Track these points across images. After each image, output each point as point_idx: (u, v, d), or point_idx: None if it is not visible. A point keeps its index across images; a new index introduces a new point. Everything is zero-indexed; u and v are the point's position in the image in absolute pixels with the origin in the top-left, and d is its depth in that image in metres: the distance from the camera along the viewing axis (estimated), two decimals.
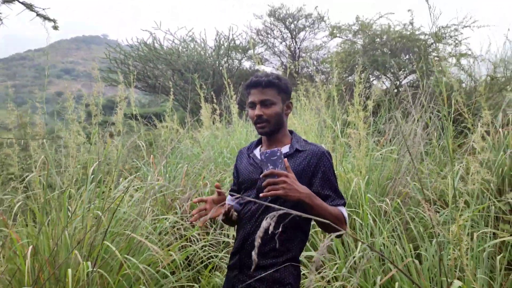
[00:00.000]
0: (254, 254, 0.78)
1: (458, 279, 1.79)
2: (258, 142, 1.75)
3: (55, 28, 1.77)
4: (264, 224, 0.79)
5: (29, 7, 1.58)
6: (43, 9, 1.59)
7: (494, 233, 2.47)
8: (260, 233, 0.80)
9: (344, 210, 1.53)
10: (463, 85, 6.23)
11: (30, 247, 2.27)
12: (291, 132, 1.72)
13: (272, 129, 1.61)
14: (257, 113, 1.58)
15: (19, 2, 1.56)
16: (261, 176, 1.39)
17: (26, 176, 3.56)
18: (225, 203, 1.55)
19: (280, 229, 1.13)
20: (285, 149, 1.62)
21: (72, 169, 3.06)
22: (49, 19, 1.65)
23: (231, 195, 1.74)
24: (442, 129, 3.95)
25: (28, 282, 2.22)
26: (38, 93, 3.61)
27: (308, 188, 1.42)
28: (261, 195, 1.33)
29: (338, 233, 0.92)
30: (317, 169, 1.55)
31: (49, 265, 2.36)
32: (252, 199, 1.04)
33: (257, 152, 1.69)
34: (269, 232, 0.80)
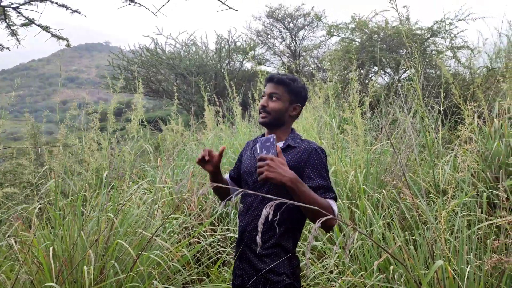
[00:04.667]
0: (258, 238, 0.92)
1: (447, 260, 1.92)
2: (262, 136, 1.88)
3: (68, 46, 1.93)
4: (264, 212, 0.92)
5: (45, 28, 1.73)
6: (58, 30, 1.75)
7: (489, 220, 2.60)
8: (262, 219, 0.92)
9: (333, 204, 1.56)
10: (461, 77, 6.32)
11: (51, 248, 2.43)
12: (292, 130, 1.80)
13: (271, 122, 1.72)
14: (262, 102, 1.73)
15: (36, 25, 1.71)
16: (257, 160, 1.50)
17: (40, 183, 3.74)
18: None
19: (277, 216, 1.24)
20: (280, 144, 1.72)
21: (86, 174, 3.23)
22: (62, 38, 1.81)
23: (229, 176, 1.94)
24: (437, 122, 4.06)
25: (49, 281, 2.38)
26: (57, 100, 3.76)
27: (294, 174, 1.47)
28: (258, 178, 1.46)
29: (323, 219, 1.02)
30: (307, 164, 1.63)
31: (67, 265, 2.53)
32: (249, 192, 1.16)
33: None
34: (269, 219, 0.92)
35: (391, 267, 2.13)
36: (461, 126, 2.77)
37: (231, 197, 1.65)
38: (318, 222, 1.03)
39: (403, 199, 2.81)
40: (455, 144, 3.70)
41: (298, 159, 1.64)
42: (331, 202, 1.56)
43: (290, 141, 1.71)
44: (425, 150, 3.94)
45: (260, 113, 1.74)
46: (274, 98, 1.72)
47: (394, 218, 2.65)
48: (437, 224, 2.14)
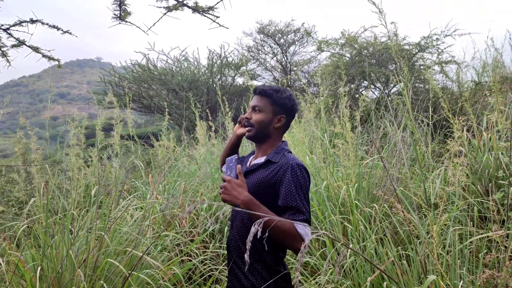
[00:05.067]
0: (246, 256, 0.91)
1: (440, 275, 1.91)
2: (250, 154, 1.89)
3: (59, 67, 1.93)
4: (253, 229, 0.91)
5: (36, 50, 1.73)
6: (49, 50, 1.75)
7: (480, 233, 2.60)
8: (250, 237, 0.92)
9: (301, 227, 1.43)
10: (450, 91, 6.43)
11: (39, 268, 2.37)
12: (282, 143, 1.75)
13: (255, 135, 1.71)
14: (246, 115, 1.74)
15: (27, 46, 1.71)
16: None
17: (29, 201, 3.67)
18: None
19: (265, 234, 1.22)
20: (262, 159, 1.71)
21: (74, 192, 3.18)
22: (53, 59, 1.80)
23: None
24: (427, 135, 4.10)
25: None
26: (47, 116, 3.71)
27: (250, 196, 1.47)
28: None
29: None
30: (282, 181, 1.55)
31: (55, 285, 2.46)
32: (236, 208, 1.17)
33: (251, 157, 1.83)
34: (257, 236, 0.91)
35: (385, 283, 2.12)
36: (451, 140, 2.79)
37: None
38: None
39: (395, 214, 2.81)
40: (445, 158, 3.73)
41: (273, 176, 1.59)
42: (298, 225, 1.43)
43: (270, 156, 1.66)
44: (415, 163, 3.97)
45: (245, 126, 1.73)
46: (257, 110, 1.71)
47: (386, 232, 2.64)
48: (429, 238, 2.13)
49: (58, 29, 1.62)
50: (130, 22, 1.49)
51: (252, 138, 1.73)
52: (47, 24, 1.60)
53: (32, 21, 1.58)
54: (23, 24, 1.61)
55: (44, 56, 1.76)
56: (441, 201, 2.22)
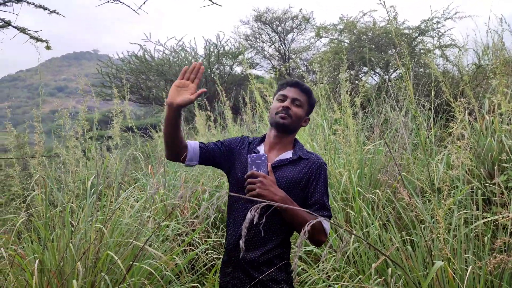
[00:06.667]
0: (241, 242, 0.87)
1: (447, 260, 1.88)
2: (262, 140, 1.77)
3: (48, 48, 1.86)
4: (249, 215, 0.88)
5: (22, 30, 1.67)
6: (36, 31, 1.69)
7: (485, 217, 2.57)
8: (245, 223, 0.89)
9: (325, 222, 1.55)
10: (450, 75, 6.36)
11: (37, 261, 2.35)
12: (295, 139, 1.78)
13: (289, 125, 1.67)
14: (285, 104, 1.67)
15: (13, 26, 1.65)
16: (244, 177, 1.50)
17: (28, 195, 3.65)
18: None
19: (263, 219, 1.19)
20: (288, 154, 1.68)
21: (72, 184, 3.14)
22: (41, 40, 1.74)
23: (201, 143, 1.72)
24: (429, 120, 4.06)
25: None
26: (35, 112, 3.69)
27: (285, 193, 1.51)
28: (247, 194, 1.44)
29: (306, 228, 0.97)
30: (313, 178, 1.63)
31: (56, 278, 2.44)
32: (234, 194, 1.14)
33: (261, 148, 1.72)
34: (254, 222, 0.89)
35: (389, 270, 2.09)
36: (453, 123, 2.75)
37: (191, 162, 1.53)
38: (308, 225, 0.98)
39: (399, 199, 2.78)
40: (447, 142, 3.68)
41: (306, 173, 1.64)
42: (323, 220, 1.53)
43: (300, 153, 1.69)
44: (417, 148, 3.93)
45: (279, 113, 1.66)
46: (297, 104, 1.70)
47: (390, 218, 2.61)
48: (434, 223, 2.10)
49: (44, 9, 1.57)
50: (119, 1, 1.43)
51: (285, 126, 1.67)
52: (33, 3, 1.54)
53: (17, 1, 1.52)
54: (8, 4, 1.55)
55: (32, 37, 1.70)
56: (445, 185, 2.18)
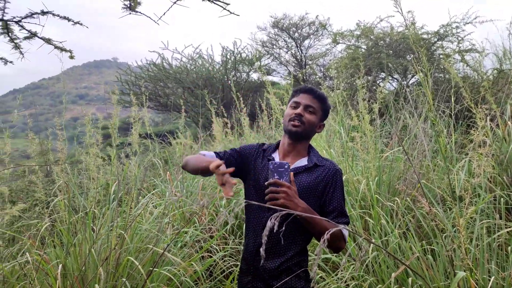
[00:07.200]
0: (262, 250, 0.88)
1: (469, 270, 1.84)
2: (276, 147, 1.78)
3: (71, 57, 1.93)
4: (269, 223, 0.90)
5: (48, 41, 1.75)
6: (61, 42, 1.76)
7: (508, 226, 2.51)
8: (266, 231, 0.90)
9: (344, 230, 1.56)
10: (471, 80, 6.23)
11: (60, 266, 2.41)
12: (310, 146, 1.78)
13: (302, 132, 1.67)
14: (298, 111, 1.67)
15: (39, 37, 1.73)
16: (266, 183, 1.48)
17: (51, 201, 3.75)
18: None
19: (283, 228, 1.19)
20: (303, 161, 1.68)
21: (93, 190, 3.22)
22: (66, 50, 1.81)
23: (216, 154, 1.71)
24: (449, 126, 3.99)
25: None
26: (58, 120, 3.81)
27: (306, 204, 1.51)
28: (268, 203, 1.43)
29: (325, 236, 0.98)
30: (329, 185, 1.64)
31: (79, 283, 2.50)
32: (254, 203, 1.14)
33: (275, 155, 1.73)
34: (274, 231, 0.90)
35: (410, 279, 2.06)
36: (474, 130, 2.70)
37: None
38: (327, 233, 0.99)
39: (419, 208, 2.74)
40: (468, 149, 3.61)
41: (322, 180, 1.64)
42: (342, 227, 1.56)
43: (315, 159, 1.70)
44: (437, 155, 3.86)
45: (292, 120, 1.67)
46: (310, 111, 1.70)
47: (409, 227, 2.58)
48: (455, 232, 2.07)
49: (69, 20, 1.63)
50: (140, 12, 1.48)
51: (298, 134, 1.68)
52: (58, 15, 1.61)
53: (43, 13, 1.59)
54: (34, 16, 1.62)
55: (56, 47, 1.78)
56: (466, 194, 2.14)
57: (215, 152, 1.73)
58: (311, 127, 1.69)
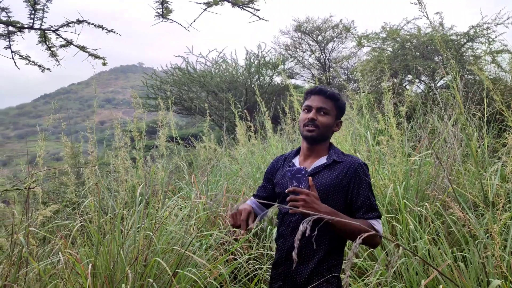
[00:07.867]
0: (294, 254, 0.88)
1: (503, 278, 1.78)
2: (297, 151, 1.80)
3: (104, 64, 2.01)
4: (301, 228, 0.90)
5: (82, 49, 1.82)
6: (95, 49, 1.84)
7: None
8: (298, 235, 0.90)
9: (376, 223, 1.56)
10: (503, 82, 6.02)
11: (90, 265, 2.48)
12: (330, 144, 1.77)
13: (318, 136, 1.67)
14: (311, 116, 1.66)
15: (74, 45, 1.80)
16: (286, 191, 1.49)
17: (82, 202, 3.87)
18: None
19: (315, 232, 1.19)
20: (323, 160, 1.67)
21: (122, 192, 3.30)
22: (99, 57, 1.89)
23: (255, 197, 1.85)
24: (480, 130, 3.87)
25: None
26: (88, 124, 3.94)
27: (329, 207, 1.49)
28: (290, 211, 1.45)
29: (364, 235, 0.98)
30: (353, 181, 1.61)
31: (108, 283, 2.56)
32: (286, 207, 1.14)
33: (296, 160, 1.75)
34: (306, 235, 0.90)
35: (440, 286, 2.00)
36: (507, 133, 2.61)
37: (266, 212, 1.63)
38: (359, 238, 0.98)
39: (449, 213, 2.66)
40: (501, 153, 3.49)
41: (343, 176, 1.62)
42: (373, 221, 1.56)
43: (334, 156, 1.67)
44: (468, 160, 3.75)
45: (306, 125, 1.67)
46: (323, 113, 1.68)
47: (439, 232, 2.51)
48: (488, 238, 2.00)
49: (103, 28, 1.70)
50: (171, 20, 1.52)
51: (313, 139, 1.68)
52: (93, 24, 1.68)
53: (79, 22, 1.65)
54: (70, 25, 1.69)
55: (90, 55, 1.85)
56: (499, 199, 2.07)
57: (256, 200, 1.83)
58: (326, 129, 1.68)
